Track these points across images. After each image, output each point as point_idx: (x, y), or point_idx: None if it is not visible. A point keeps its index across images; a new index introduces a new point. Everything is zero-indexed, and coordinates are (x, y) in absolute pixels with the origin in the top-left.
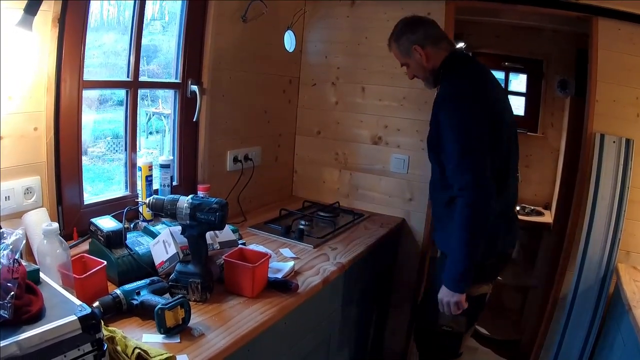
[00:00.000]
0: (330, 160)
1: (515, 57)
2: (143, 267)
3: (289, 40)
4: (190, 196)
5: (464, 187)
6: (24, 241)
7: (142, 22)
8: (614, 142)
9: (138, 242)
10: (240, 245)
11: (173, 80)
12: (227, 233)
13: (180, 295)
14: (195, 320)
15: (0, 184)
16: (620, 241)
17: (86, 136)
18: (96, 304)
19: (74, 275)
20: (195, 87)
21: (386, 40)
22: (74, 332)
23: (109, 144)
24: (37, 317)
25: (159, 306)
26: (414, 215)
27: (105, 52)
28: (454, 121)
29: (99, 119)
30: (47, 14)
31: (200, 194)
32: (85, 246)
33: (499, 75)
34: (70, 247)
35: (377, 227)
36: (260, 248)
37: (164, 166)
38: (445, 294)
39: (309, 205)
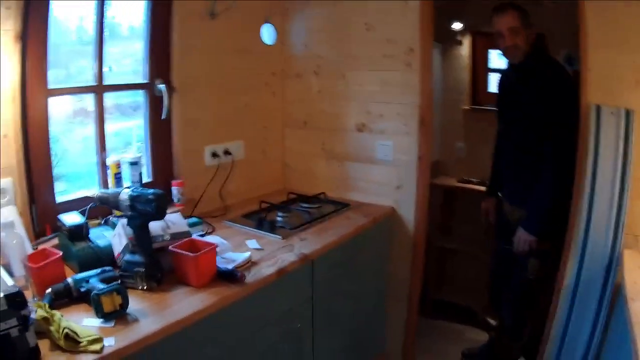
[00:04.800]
0: (318, 151)
1: None
2: (102, 258)
3: (268, 33)
4: (131, 188)
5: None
6: None
7: (103, 27)
8: (612, 113)
9: (103, 235)
10: (195, 237)
11: (141, 81)
12: (180, 224)
13: (115, 283)
14: (136, 307)
15: None
16: (624, 224)
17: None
18: (49, 290)
19: (30, 264)
20: (162, 87)
21: (363, 25)
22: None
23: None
24: None
25: (95, 292)
26: (403, 203)
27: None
28: (567, 102)
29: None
30: (8, 32)
31: (174, 189)
32: (56, 241)
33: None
34: (42, 242)
35: (360, 216)
36: (216, 239)
37: (133, 163)
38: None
39: (294, 197)
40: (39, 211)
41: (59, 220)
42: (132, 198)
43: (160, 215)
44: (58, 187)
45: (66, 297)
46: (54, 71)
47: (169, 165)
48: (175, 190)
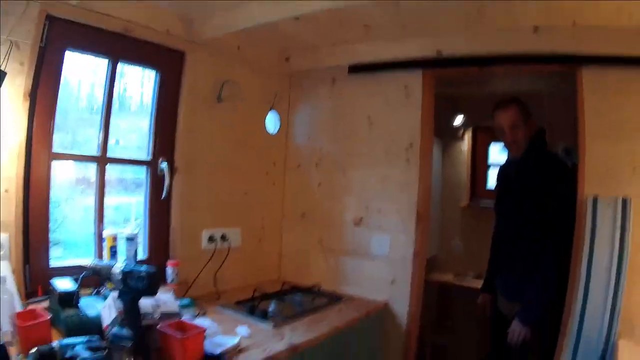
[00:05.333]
0: (314, 244)
1: None
2: (90, 327)
3: (272, 122)
4: (125, 263)
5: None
6: None
7: (112, 97)
8: (609, 204)
9: (93, 305)
10: (185, 318)
11: (145, 157)
12: (171, 304)
13: (100, 353)
14: None
15: None
16: (620, 313)
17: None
18: (34, 349)
19: (18, 322)
20: (164, 166)
21: (367, 119)
22: None
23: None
24: None
25: (80, 358)
26: (397, 298)
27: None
28: (566, 198)
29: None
30: (19, 88)
31: (169, 269)
32: (46, 303)
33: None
34: (32, 303)
35: (352, 310)
36: (206, 322)
37: (129, 239)
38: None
39: (288, 288)
40: (33, 272)
41: (51, 284)
42: (125, 273)
43: (151, 292)
44: (54, 252)
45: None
46: (60, 135)
47: (165, 244)
48: (169, 270)
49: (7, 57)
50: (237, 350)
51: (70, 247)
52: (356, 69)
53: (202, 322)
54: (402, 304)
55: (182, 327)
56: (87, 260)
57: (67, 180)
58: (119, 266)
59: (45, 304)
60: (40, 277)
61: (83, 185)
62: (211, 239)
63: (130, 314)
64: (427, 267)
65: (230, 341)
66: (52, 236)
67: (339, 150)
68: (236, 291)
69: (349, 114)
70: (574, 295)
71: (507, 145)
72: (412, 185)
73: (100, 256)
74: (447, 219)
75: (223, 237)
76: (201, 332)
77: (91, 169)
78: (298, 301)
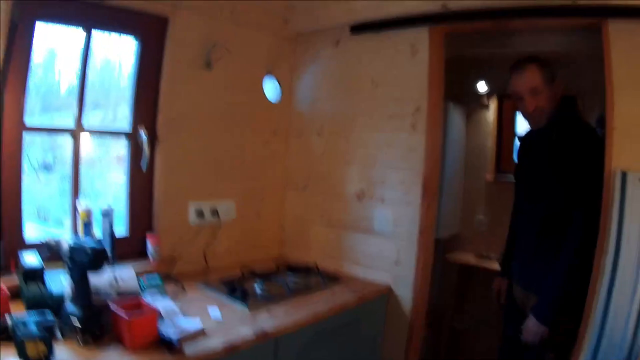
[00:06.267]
0: (316, 217)
1: None
2: (51, 303)
3: (272, 89)
4: (74, 239)
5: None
6: None
7: (86, 68)
8: None
9: (60, 281)
10: (148, 297)
11: (124, 128)
12: (130, 282)
13: (44, 331)
14: (64, 358)
15: None
16: None
17: None
18: None
19: None
20: (143, 136)
21: (370, 81)
22: None
23: None
24: None
25: (20, 335)
26: (401, 281)
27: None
28: (596, 174)
29: None
30: None
31: (149, 243)
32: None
33: None
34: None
35: (347, 293)
36: (168, 304)
37: (104, 214)
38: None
39: (283, 266)
40: (6, 247)
41: (19, 256)
42: (72, 249)
43: (95, 267)
44: (36, 227)
45: (2, 334)
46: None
47: (149, 219)
48: (150, 245)
49: None
50: (200, 334)
51: (51, 222)
52: (359, 28)
53: (167, 302)
54: (406, 288)
55: (139, 307)
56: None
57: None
58: (67, 242)
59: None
60: (13, 251)
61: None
62: (200, 213)
63: (79, 291)
64: (448, 246)
65: (193, 324)
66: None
67: (342, 117)
68: (229, 269)
69: (352, 77)
70: (596, 291)
71: (526, 116)
72: (418, 153)
73: (76, 231)
74: (471, 194)
75: (214, 212)
76: (153, 314)
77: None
78: (291, 281)
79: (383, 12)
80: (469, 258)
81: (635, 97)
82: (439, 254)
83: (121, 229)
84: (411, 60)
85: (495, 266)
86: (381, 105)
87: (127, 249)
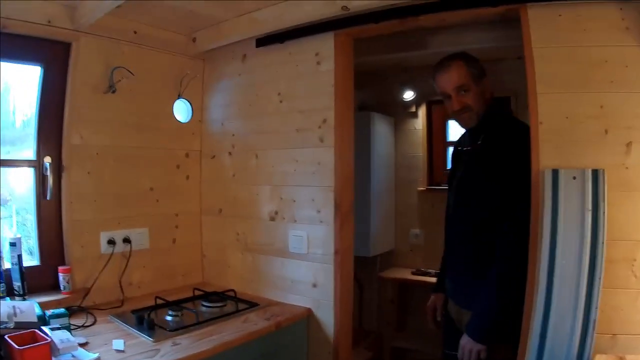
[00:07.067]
0: (233, 242)
1: None
2: None
3: (183, 110)
4: None
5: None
6: None
7: None
8: (575, 177)
9: None
10: (47, 331)
11: (30, 157)
12: (29, 314)
13: None
14: None
15: None
16: (596, 322)
17: None
18: None
19: None
20: (47, 164)
21: (277, 95)
22: None
23: None
24: None
25: None
26: (322, 304)
27: None
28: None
29: None
30: None
31: (60, 275)
32: None
33: None
34: None
35: (261, 320)
36: (65, 335)
37: (11, 244)
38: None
39: (200, 294)
40: None
41: None
42: None
43: None
44: None
45: None
46: None
47: (59, 249)
48: (61, 276)
49: None
50: None
51: None
52: (264, 41)
53: (65, 335)
54: (327, 311)
55: (34, 339)
56: None
57: None
58: None
59: None
60: None
61: None
62: (112, 242)
63: None
64: (385, 263)
65: (88, 358)
66: None
67: (250, 134)
68: (145, 298)
69: (259, 92)
70: (533, 301)
71: (455, 116)
72: (327, 168)
73: None
74: (405, 208)
75: (125, 240)
76: (45, 345)
77: None
78: (205, 309)
79: (285, 21)
80: (406, 274)
81: (562, 87)
82: (374, 272)
83: (34, 260)
84: (316, 69)
85: (434, 280)
86: (288, 120)
87: (40, 280)
